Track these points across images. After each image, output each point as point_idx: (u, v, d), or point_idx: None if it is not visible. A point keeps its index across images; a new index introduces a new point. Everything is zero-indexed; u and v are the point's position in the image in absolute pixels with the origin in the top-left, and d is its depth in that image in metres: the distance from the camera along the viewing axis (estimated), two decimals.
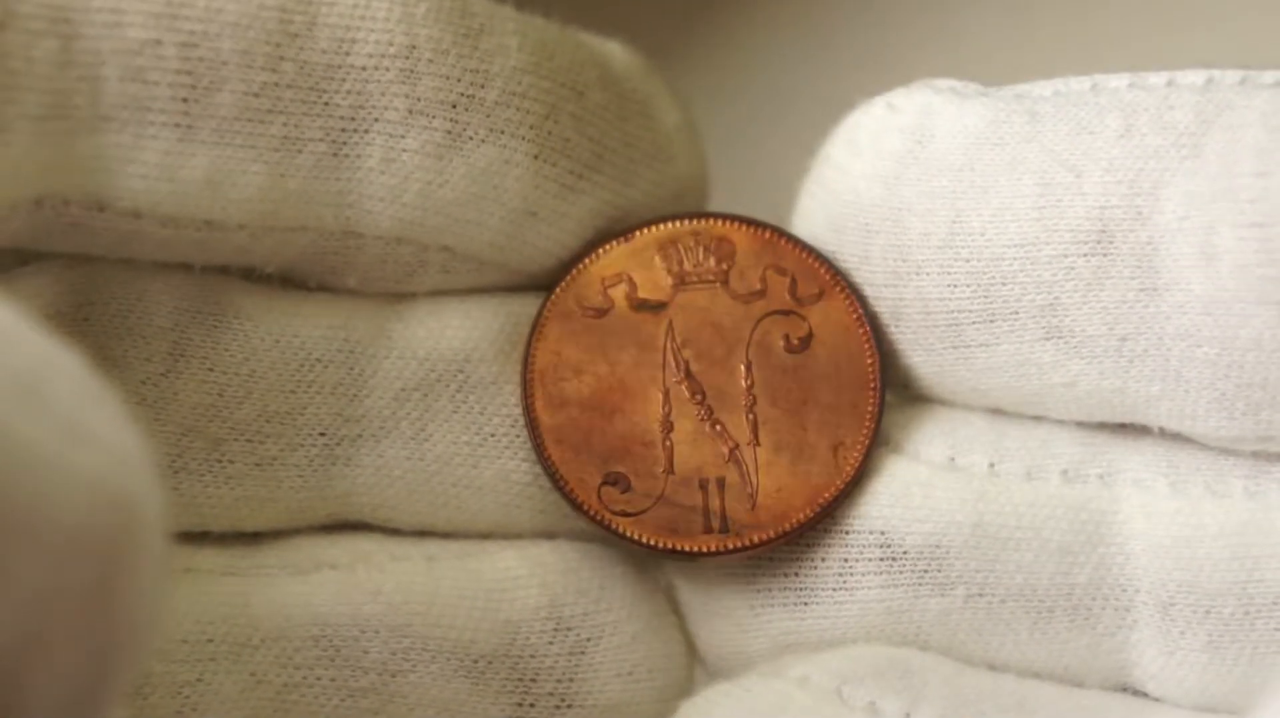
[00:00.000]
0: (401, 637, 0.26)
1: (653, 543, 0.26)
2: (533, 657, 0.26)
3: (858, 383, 0.27)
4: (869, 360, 0.27)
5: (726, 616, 0.27)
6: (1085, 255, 0.25)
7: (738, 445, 0.27)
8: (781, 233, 0.28)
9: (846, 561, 0.26)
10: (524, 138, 0.26)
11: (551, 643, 0.27)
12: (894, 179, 0.26)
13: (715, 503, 0.26)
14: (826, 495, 0.26)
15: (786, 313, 0.27)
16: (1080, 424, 0.26)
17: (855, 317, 0.27)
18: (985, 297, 0.26)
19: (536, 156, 0.26)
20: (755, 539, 0.26)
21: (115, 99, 0.24)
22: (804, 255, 0.27)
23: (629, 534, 0.26)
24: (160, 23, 0.24)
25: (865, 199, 0.27)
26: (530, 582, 0.27)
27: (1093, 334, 0.25)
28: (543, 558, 0.27)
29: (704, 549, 0.26)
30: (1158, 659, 0.25)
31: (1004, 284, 0.25)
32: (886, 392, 0.27)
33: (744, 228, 0.28)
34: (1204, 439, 0.25)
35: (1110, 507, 0.26)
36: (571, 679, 0.27)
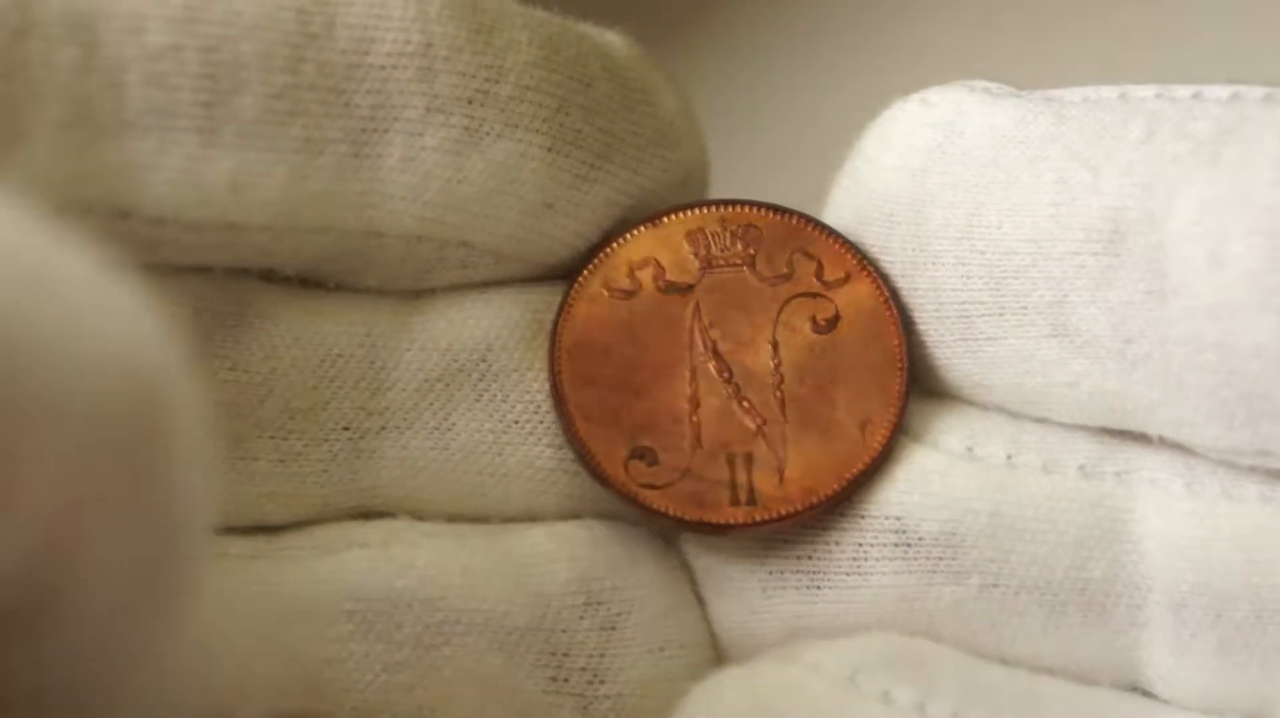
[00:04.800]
0: (435, 610, 0.26)
1: (679, 515, 0.27)
2: (565, 632, 0.27)
3: (885, 363, 0.27)
4: (895, 342, 0.27)
5: (738, 597, 0.27)
6: (1096, 254, 0.25)
7: (765, 422, 0.27)
8: (808, 219, 0.28)
9: (861, 545, 0.26)
10: (538, 131, 0.26)
11: (583, 618, 0.27)
12: (921, 171, 0.26)
13: (742, 477, 0.27)
14: (854, 471, 0.26)
15: (813, 295, 0.27)
16: (1097, 427, 0.26)
17: (882, 299, 0.27)
18: (996, 290, 0.26)
19: (550, 149, 0.26)
20: (782, 512, 0.26)
21: (138, 105, 0.24)
22: (830, 241, 0.27)
23: (655, 507, 0.27)
24: (180, 28, 0.24)
25: (892, 190, 0.27)
26: (560, 557, 0.27)
27: (1098, 334, 0.25)
28: (572, 534, 0.27)
29: (731, 522, 0.27)
30: (1168, 660, 0.25)
31: (1015, 278, 0.26)
32: (913, 373, 0.27)
33: (770, 214, 0.28)
34: (1202, 449, 0.25)
35: (1126, 504, 0.26)
36: (603, 655, 0.27)
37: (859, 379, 0.27)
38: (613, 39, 0.28)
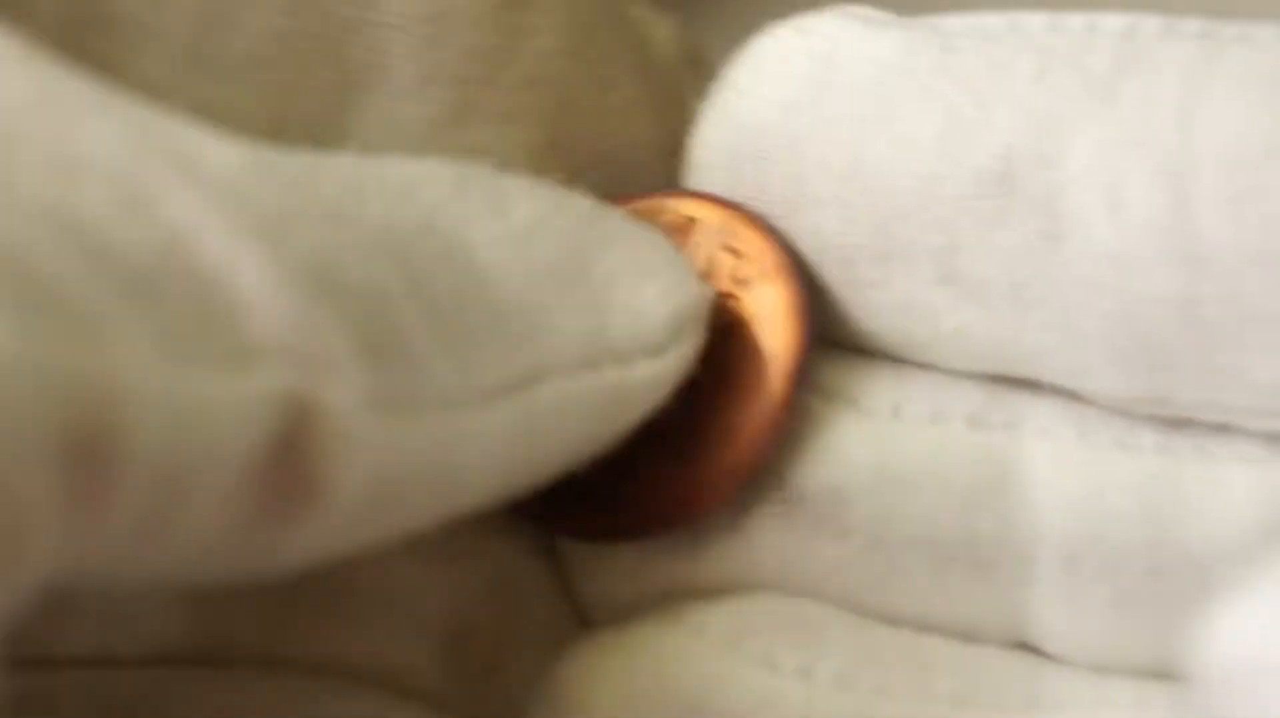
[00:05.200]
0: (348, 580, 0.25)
1: (544, 517, 0.26)
2: (471, 618, 0.26)
3: (777, 372, 0.25)
4: (792, 350, 0.25)
5: (612, 562, 0.26)
6: (987, 196, 0.24)
7: (648, 432, 0.25)
8: (745, 210, 0.26)
9: (743, 504, 0.25)
10: (533, 125, 0.25)
11: (487, 605, 0.26)
12: (795, 105, 0.25)
13: (613, 484, 0.25)
14: (727, 483, 0.25)
15: (725, 296, 0.26)
16: (987, 374, 0.25)
17: (790, 303, 0.25)
18: (881, 233, 0.25)
19: (543, 146, 0.25)
20: (646, 522, 0.25)
21: (128, 21, 0.23)
22: (758, 236, 0.26)
23: (530, 512, 0.26)
24: None
25: (765, 125, 0.25)
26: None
27: (988, 279, 0.24)
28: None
29: (593, 528, 0.26)
30: (1059, 616, 0.25)
31: (901, 220, 0.24)
32: (805, 382, 0.26)
33: (710, 205, 0.26)
34: (1097, 398, 0.24)
35: (1015, 455, 0.25)
36: (503, 642, 0.26)
37: (748, 387, 0.25)
38: (661, 33, 0.27)
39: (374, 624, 0.25)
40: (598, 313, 0.23)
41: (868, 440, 0.25)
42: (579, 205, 0.24)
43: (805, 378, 0.25)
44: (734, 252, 0.26)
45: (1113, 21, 0.24)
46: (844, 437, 0.25)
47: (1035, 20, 0.25)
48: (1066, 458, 0.25)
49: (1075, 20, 0.24)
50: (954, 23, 0.25)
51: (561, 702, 0.25)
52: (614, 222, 0.24)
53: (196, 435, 0.17)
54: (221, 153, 0.19)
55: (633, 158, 0.26)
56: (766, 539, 0.25)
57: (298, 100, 0.24)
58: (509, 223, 0.22)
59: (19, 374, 0.16)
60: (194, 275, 0.18)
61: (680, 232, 0.26)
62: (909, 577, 0.25)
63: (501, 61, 0.25)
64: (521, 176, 0.24)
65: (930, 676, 0.24)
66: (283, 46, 0.24)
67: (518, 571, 0.26)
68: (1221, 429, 0.24)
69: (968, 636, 0.25)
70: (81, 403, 0.16)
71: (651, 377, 0.23)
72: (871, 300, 0.25)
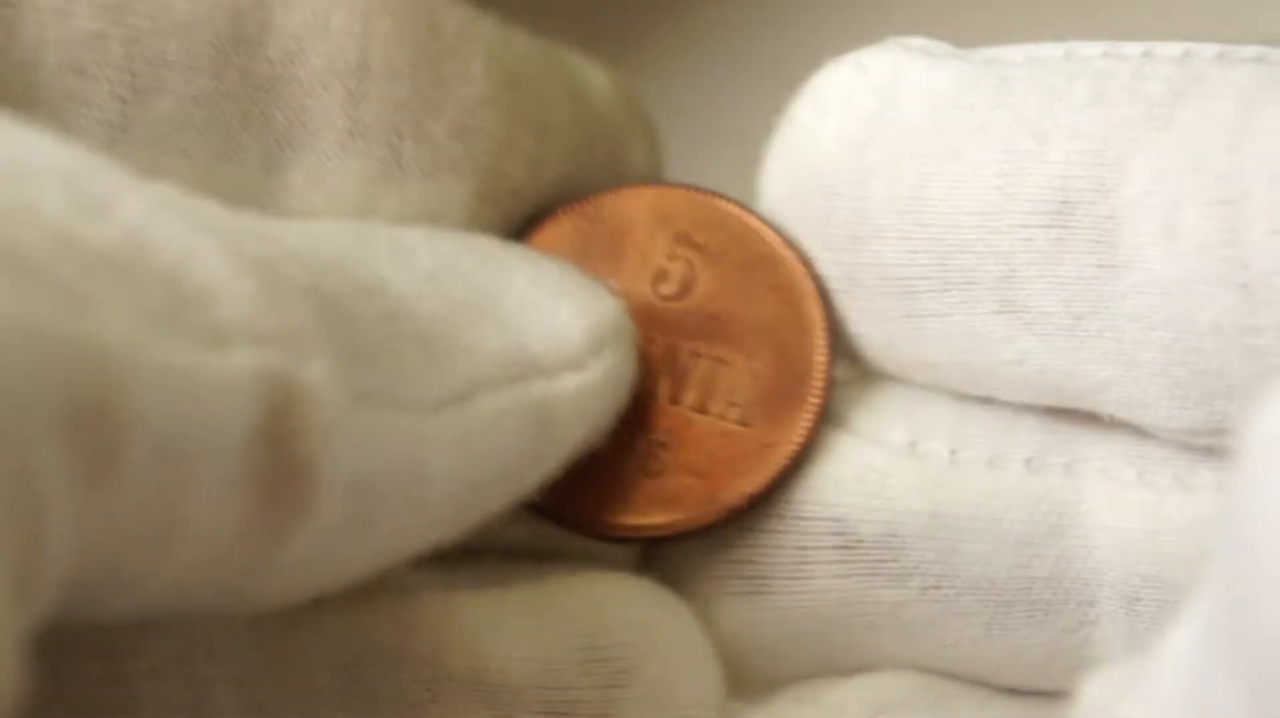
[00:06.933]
0: (427, 667, 0.24)
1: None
2: (564, 689, 0.25)
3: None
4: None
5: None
6: (1045, 227, 0.24)
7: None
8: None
9: (802, 548, 0.25)
10: (468, 175, 0.25)
11: (584, 675, 0.25)
12: (861, 141, 0.25)
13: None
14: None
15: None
16: (1047, 410, 0.25)
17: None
18: (942, 265, 0.24)
19: (481, 197, 0.25)
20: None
21: (52, 89, 0.23)
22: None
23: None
24: (108, 15, 0.23)
25: (830, 161, 0.25)
26: (562, 612, 0.25)
27: (1047, 310, 0.24)
28: (575, 587, 0.26)
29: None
30: (1121, 657, 0.24)
31: (962, 253, 0.24)
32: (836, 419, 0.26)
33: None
34: (1154, 430, 0.24)
35: (1074, 497, 0.25)
36: (605, 716, 0.25)
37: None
38: (597, 80, 0.27)
39: (450, 709, 0.25)
40: (515, 334, 0.23)
41: (923, 488, 0.25)
42: (480, 245, 0.24)
43: (833, 414, 0.26)
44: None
45: (1169, 48, 0.24)
46: (900, 484, 0.25)
47: (1091, 48, 0.24)
48: (1125, 498, 0.24)
49: (1132, 47, 0.24)
50: (1011, 53, 0.25)
51: None
52: (518, 255, 0.24)
53: (189, 409, 0.18)
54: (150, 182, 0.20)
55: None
56: (826, 583, 0.25)
57: (226, 163, 0.24)
58: (414, 268, 0.23)
59: (17, 340, 0.16)
60: (158, 263, 0.18)
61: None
62: (967, 621, 0.25)
63: (430, 113, 0.25)
64: (422, 228, 0.24)
65: None
66: (208, 108, 0.24)
67: (611, 633, 0.25)
68: None
69: (1030, 679, 0.25)
70: (79, 367, 0.17)
71: (578, 388, 0.24)
72: (933, 331, 0.25)
